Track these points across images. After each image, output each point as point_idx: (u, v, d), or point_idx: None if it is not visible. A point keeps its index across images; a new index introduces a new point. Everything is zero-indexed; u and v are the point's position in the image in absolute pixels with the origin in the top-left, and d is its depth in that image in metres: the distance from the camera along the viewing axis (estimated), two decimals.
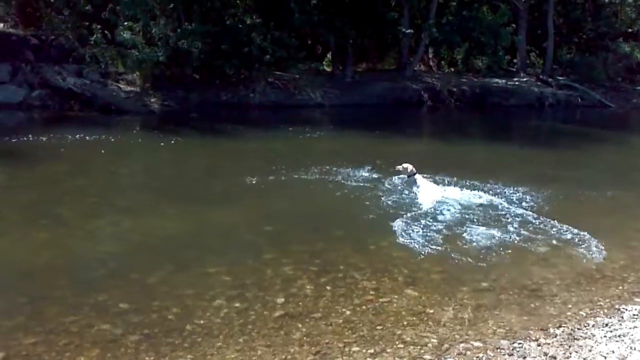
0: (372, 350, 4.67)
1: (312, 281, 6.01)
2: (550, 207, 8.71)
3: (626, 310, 5.44)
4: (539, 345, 4.74)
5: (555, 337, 4.88)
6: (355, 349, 4.70)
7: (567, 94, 26.38)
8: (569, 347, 4.69)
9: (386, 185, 9.81)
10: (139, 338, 4.81)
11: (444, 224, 7.90)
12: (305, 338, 4.86)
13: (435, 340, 4.84)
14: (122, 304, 5.40)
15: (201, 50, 19.92)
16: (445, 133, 19.03)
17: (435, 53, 29.96)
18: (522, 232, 7.65)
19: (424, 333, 4.98)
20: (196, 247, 7.05)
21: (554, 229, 7.75)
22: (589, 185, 10.46)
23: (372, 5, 24.85)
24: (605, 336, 4.88)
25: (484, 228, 7.72)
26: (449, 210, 8.50)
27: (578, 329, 5.03)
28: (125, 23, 19.94)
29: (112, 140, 14.19)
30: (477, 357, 4.58)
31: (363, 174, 10.57)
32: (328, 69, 26.82)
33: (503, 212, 8.52)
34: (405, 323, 5.15)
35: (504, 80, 26.44)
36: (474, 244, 7.21)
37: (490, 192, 9.43)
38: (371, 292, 5.78)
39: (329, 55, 27.63)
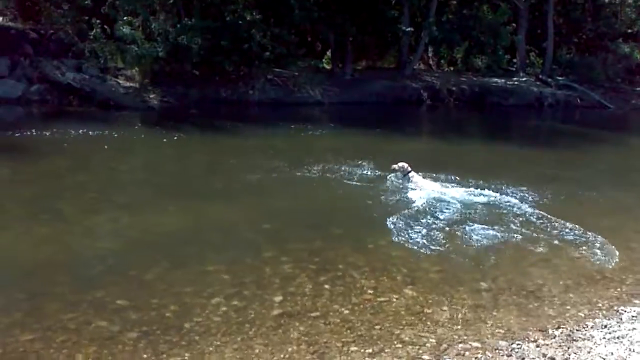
0: (370, 350, 4.66)
1: (311, 280, 6.00)
2: (549, 208, 8.69)
3: (625, 311, 5.43)
4: (537, 346, 4.74)
5: (554, 338, 4.88)
6: (353, 348, 4.69)
7: (566, 94, 26.38)
8: (568, 348, 4.69)
9: (385, 183, 9.81)
10: (137, 335, 4.79)
11: (443, 223, 7.89)
12: (303, 337, 4.85)
13: (433, 340, 4.84)
14: (121, 301, 5.39)
15: (201, 46, 19.88)
16: (444, 132, 19.03)
17: (435, 52, 29.95)
18: (521, 232, 7.65)
19: (423, 333, 4.97)
20: (195, 244, 7.03)
21: (554, 230, 7.75)
22: (589, 185, 10.47)
23: (373, 3, 24.81)
24: (604, 338, 4.87)
25: (483, 228, 7.71)
26: (447, 209, 8.49)
27: (577, 330, 5.03)
28: (125, 18, 19.90)
29: (112, 135, 14.15)
30: (475, 358, 4.57)
31: (362, 172, 10.56)
32: (328, 67, 26.79)
33: (502, 212, 8.52)
34: (403, 323, 5.14)
35: (503, 80, 26.44)
36: (473, 243, 7.21)
37: (489, 191, 9.41)
38: (370, 292, 5.77)
39: (328, 53, 27.60)
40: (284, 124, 17.14)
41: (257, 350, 4.62)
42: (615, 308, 5.53)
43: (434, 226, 7.72)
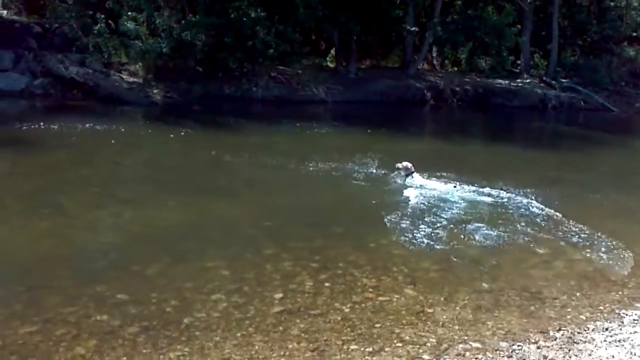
0: (370, 349, 4.64)
1: (312, 277, 5.98)
2: (552, 209, 8.67)
3: (626, 315, 5.41)
4: (538, 348, 4.71)
5: (555, 340, 4.86)
6: (353, 346, 4.67)
7: (570, 96, 26.32)
8: (569, 350, 4.67)
9: (387, 183, 9.79)
10: (137, 330, 4.78)
11: (445, 223, 7.88)
12: (303, 334, 4.84)
13: (434, 340, 4.82)
14: (121, 295, 5.38)
15: (205, 42, 19.86)
16: (447, 132, 18.99)
17: (439, 52, 29.91)
18: (523, 233, 7.64)
19: (423, 332, 4.95)
20: (196, 240, 7.02)
21: (556, 231, 7.74)
22: (592, 188, 10.44)
23: (377, 2, 24.76)
24: (605, 341, 4.85)
25: (485, 228, 7.70)
26: (449, 209, 8.48)
27: (578, 332, 5.00)
28: (129, 13, 19.87)
29: (114, 130, 14.15)
30: (476, 358, 4.55)
31: (365, 171, 10.54)
32: (331, 65, 26.76)
33: (504, 213, 8.51)
34: (404, 322, 5.12)
35: (507, 81, 26.39)
36: (475, 244, 7.20)
37: (492, 192, 9.40)
38: (370, 290, 5.75)
39: (332, 51, 27.57)
40: (287, 122, 17.12)
41: (256, 347, 4.60)
42: (617, 311, 5.50)
43: (435, 226, 7.71)
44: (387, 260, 6.55)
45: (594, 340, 4.87)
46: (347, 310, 5.30)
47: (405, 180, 9.71)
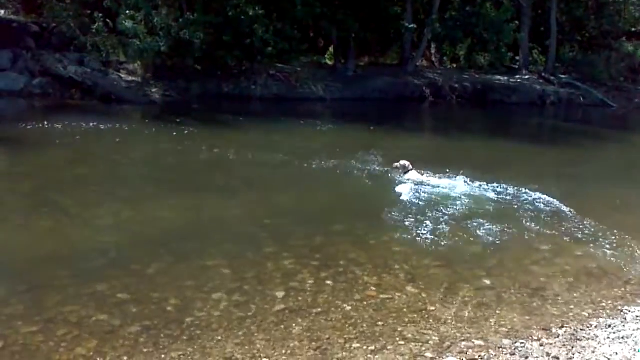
0: (373, 347, 4.63)
1: (313, 276, 5.96)
2: (553, 205, 8.66)
3: (629, 311, 5.39)
4: (541, 345, 4.70)
5: (558, 337, 4.84)
6: (356, 345, 4.66)
7: (569, 92, 26.31)
8: (572, 347, 4.65)
9: (387, 180, 9.77)
10: (138, 329, 4.76)
11: (445, 219, 7.87)
12: (305, 333, 4.82)
13: (436, 338, 4.80)
14: (122, 295, 5.36)
15: (203, 41, 19.80)
16: (446, 129, 18.99)
17: (437, 49, 29.83)
18: (525, 229, 7.63)
19: (425, 330, 4.93)
20: (196, 239, 7.00)
21: (557, 227, 7.73)
22: (592, 183, 10.44)
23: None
24: (608, 337, 4.83)
25: (486, 224, 7.69)
26: (449, 206, 8.46)
27: (581, 329, 4.99)
28: (127, 12, 19.80)
29: (114, 129, 14.11)
30: (479, 356, 4.53)
31: (364, 168, 10.53)
32: (330, 63, 26.71)
33: (505, 209, 8.50)
34: (406, 320, 5.10)
35: (506, 78, 26.36)
36: (475, 240, 7.19)
37: (492, 188, 9.38)
38: (372, 288, 5.73)
39: (331, 49, 27.51)
40: (286, 120, 17.10)
41: (258, 346, 4.58)
42: (620, 308, 5.49)
43: (436, 222, 7.69)
44: (389, 258, 6.53)
45: (597, 337, 4.85)
46: (349, 308, 5.28)
47: (403, 178, 9.70)
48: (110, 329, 4.76)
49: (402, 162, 9.87)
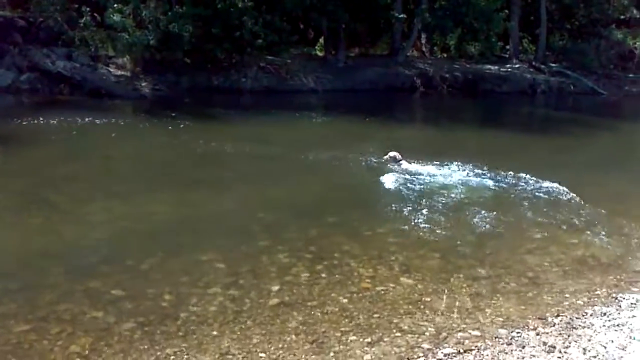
0: (369, 339, 4.62)
1: (308, 269, 5.94)
2: (546, 194, 8.69)
3: (624, 299, 5.41)
4: (537, 334, 4.70)
5: (554, 326, 4.85)
6: (352, 337, 4.64)
7: (559, 80, 26.34)
8: (568, 336, 4.66)
9: (380, 171, 9.75)
10: (132, 326, 4.73)
11: (439, 209, 7.87)
12: (301, 326, 4.80)
13: (432, 329, 4.80)
14: (116, 291, 5.32)
15: (192, 34, 19.65)
16: (437, 119, 19.00)
17: (428, 38, 29.76)
18: (519, 218, 7.65)
19: (421, 322, 4.93)
20: (190, 234, 6.97)
21: (550, 216, 7.74)
22: (584, 172, 10.46)
23: None
24: (604, 325, 4.85)
25: (479, 214, 7.70)
26: (442, 196, 8.46)
27: (576, 318, 5.00)
28: (115, 5, 19.63)
29: (104, 124, 14.00)
30: (475, 346, 4.53)
31: (356, 159, 10.51)
32: (320, 54, 26.62)
33: (499, 198, 8.53)
34: (402, 311, 5.09)
35: (496, 67, 26.35)
36: (470, 230, 7.20)
37: (485, 178, 9.41)
38: (367, 280, 5.72)
39: (321, 40, 27.41)
40: (277, 112, 17.04)
41: (255, 340, 4.56)
42: (614, 295, 5.50)
43: (429, 213, 7.69)
44: (383, 249, 6.52)
45: (592, 325, 4.86)
46: (344, 300, 5.27)
47: (396, 168, 9.70)
48: (104, 326, 4.72)
49: (392, 154, 9.89)
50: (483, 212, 7.77)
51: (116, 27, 19.35)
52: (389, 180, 9.21)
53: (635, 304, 5.29)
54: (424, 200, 8.26)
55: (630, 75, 28.30)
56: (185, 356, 4.34)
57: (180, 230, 7.06)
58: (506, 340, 4.61)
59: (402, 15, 25.07)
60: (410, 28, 26.80)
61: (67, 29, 19.82)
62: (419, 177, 9.34)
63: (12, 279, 5.56)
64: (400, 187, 8.88)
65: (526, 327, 4.82)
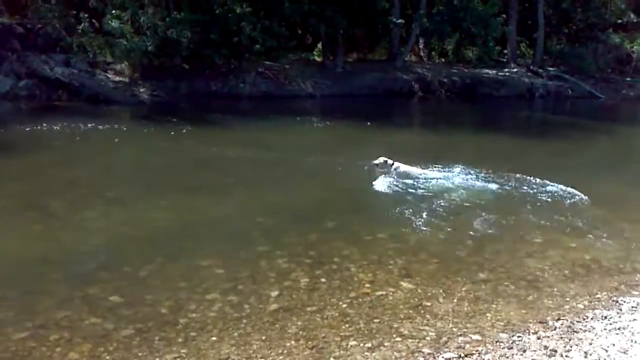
0: (369, 344, 4.59)
1: (307, 274, 5.92)
2: (544, 197, 8.67)
3: (624, 302, 5.39)
4: (538, 338, 4.68)
5: (555, 330, 4.82)
6: (352, 343, 4.62)
7: (557, 84, 26.41)
8: (569, 340, 4.64)
9: (378, 176, 9.72)
10: (131, 332, 4.70)
11: (437, 213, 7.85)
12: (301, 332, 4.77)
13: (433, 334, 4.77)
14: (114, 297, 5.29)
15: (190, 39, 19.70)
16: (436, 124, 19.01)
17: (426, 43, 29.85)
18: (517, 221, 7.63)
19: (422, 326, 4.90)
20: (189, 239, 6.94)
21: (549, 219, 7.72)
22: (583, 175, 10.43)
23: None
24: (605, 329, 4.82)
25: (478, 217, 7.68)
26: (441, 199, 8.44)
27: (577, 321, 4.97)
28: (113, 12, 19.71)
29: (101, 130, 14.00)
30: (476, 351, 4.51)
31: (354, 164, 10.48)
32: (318, 59, 26.66)
33: (497, 202, 8.50)
34: (402, 316, 5.07)
35: (494, 71, 26.42)
36: (469, 234, 7.16)
37: (483, 181, 9.40)
38: (367, 285, 5.69)
39: (319, 45, 27.45)
40: (276, 117, 17.04)
41: (254, 346, 4.53)
42: (615, 299, 5.48)
43: (428, 217, 7.66)
44: (382, 254, 6.50)
45: (593, 328, 4.84)
46: (344, 305, 5.24)
47: (392, 172, 9.68)
48: (103, 333, 4.69)
49: (381, 159, 9.89)
50: (482, 215, 7.75)
51: (114, 33, 19.39)
52: (387, 185, 9.19)
53: (636, 307, 5.27)
54: (423, 204, 8.23)
55: (628, 79, 28.38)
56: None
57: (179, 236, 7.03)
58: (507, 345, 4.58)
59: (400, 21, 25.15)
60: (409, 33, 26.89)
61: (65, 35, 19.86)
62: (417, 181, 9.33)
63: (10, 286, 5.54)
64: (399, 192, 8.87)
65: (527, 331, 4.80)
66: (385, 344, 4.60)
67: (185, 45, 19.66)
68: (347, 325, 4.89)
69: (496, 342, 4.63)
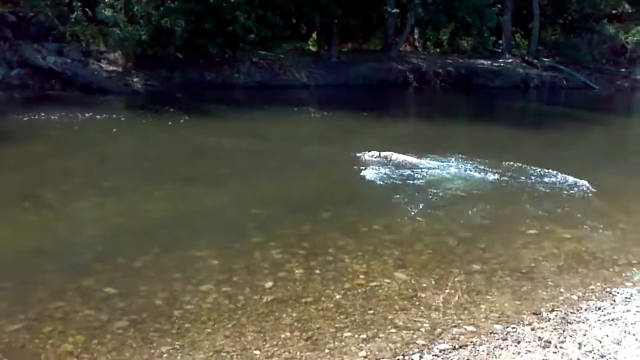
0: (364, 336, 4.59)
1: (301, 265, 5.90)
2: (539, 188, 8.69)
3: (618, 293, 5.40)
4: (532, 329, 4.69)
5: (549, 321, 4.83)
6: (347, 334, 4.62)
7: (552, 75, 26.40)
8: (563, 331, 4.65)
9: (374, 166, 9.72)
10: (125, 324, 4.68)
11: (433, 204, 7.87)
12: (295, 323, 4.77)
13: (427, 325, 4.77)
14: (108, 289, 5.27)
15: (184, 29, 19.57)
16: (430, 114, 18.99)
17: (420, 33, 29.76)
18: (512, 212, 7.65)
19: (416, 317, 4.90)
20: (183, 230, 6.92)
21: (544, 210, 7.74)
22: (577, 166, 10.42)
23: None
24: (598, 320, 4.84)
25: (473, 208, 7.70)
26: (436, 190, 8.45)
27: (571, 312, 4.99)
28: (107, 0, 19.54)
29: (96, 120, 13.92)
30: (470, 342, 4.51)
31: (349, 155, 10.46)
32: (313, 49, 26.57)
33: (492, 193, 8.52)
34: (397, 307, 5.07)
35: (489, 62, 26.38)
36: (464, 225, 7.18)
37: (478, 172, 9.40)
38: (361, 276, 5.68)
39: (314, 35, 27.35)
40: (271, 107, 16.99)
41: (249, 337, 4.53)
42: (609, 290, 5.49)
43: (423, 208, 7.67)
44: (377, 245, 6.49)
45: (587, 320, 4.85)
46: (338, 297, 5.24)
47: (387, 163, 9.69)
48: (97, 324, 4.67)
49: (371, 153, 9.93)
50: (477, 206, 7.77)
51: (108, 22, 19.26)
52: (383, 176, 9.19)
53: (629, 298, 5.29)
54: (418, 194, 8.25)
55: (622, 69, 28.41)
56: (179, 354, 4.30)
57: (173, 227, 7.01)
58: (501, 336, 4.59)
59: (395, 10, 25.05)
60: (403, 23, 26.79)
61: (58, 24, 19.68)
62: (413, 172, 9.32)
63: (4, 277, 5.50)
64: (395, 182, 8.86)
65: (521, 323, 4.81)
66: (380, 335, 4.60)
67: (179, 35, 19.54)
68: (341, 317, 4.88)
69: (490, 333, 4.64)
